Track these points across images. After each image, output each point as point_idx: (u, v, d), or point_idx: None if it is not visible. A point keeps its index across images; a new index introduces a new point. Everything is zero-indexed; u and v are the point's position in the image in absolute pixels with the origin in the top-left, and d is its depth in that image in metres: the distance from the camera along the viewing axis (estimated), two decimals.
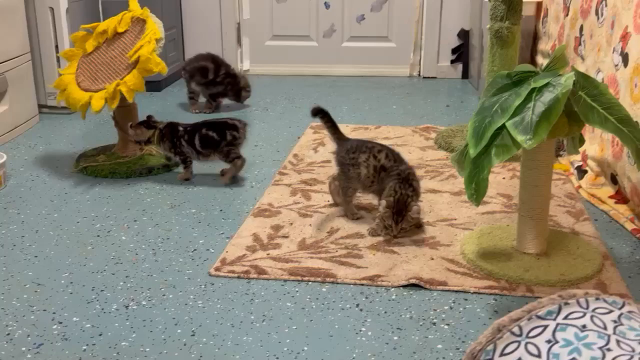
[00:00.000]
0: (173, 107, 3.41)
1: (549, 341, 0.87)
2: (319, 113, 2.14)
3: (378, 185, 2.00)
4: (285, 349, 1.46)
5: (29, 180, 2.44)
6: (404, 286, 1.70)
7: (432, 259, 1.82)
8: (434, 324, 1.55)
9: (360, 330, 1.53)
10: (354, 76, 4.04)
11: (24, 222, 2.10)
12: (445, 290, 1.68)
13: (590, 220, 2.05)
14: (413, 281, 1.71)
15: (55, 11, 3.08)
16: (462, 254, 1.83)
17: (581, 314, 0.90)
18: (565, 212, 2.09)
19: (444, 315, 1.58)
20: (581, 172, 2.32)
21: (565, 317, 0.90)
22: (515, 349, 0.88)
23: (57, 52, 3.10)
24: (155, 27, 2.48)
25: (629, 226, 1.99)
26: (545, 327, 0.89)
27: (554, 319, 0.90)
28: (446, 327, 1.54)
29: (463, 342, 1.48)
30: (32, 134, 2.97)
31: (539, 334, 0.88)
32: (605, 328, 0.87)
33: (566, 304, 0.92)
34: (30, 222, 2.10)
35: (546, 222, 1.79)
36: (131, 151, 2.56)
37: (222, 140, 2.35)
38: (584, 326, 0.87)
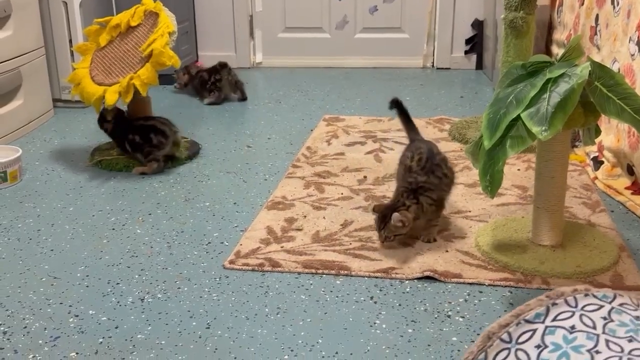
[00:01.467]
0: (186, 99, 3.42)
1: (538, 346, 0.86)
2: (396, 106, 2.06)
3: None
4: (300, 341, 1.47)
5: (44, 174, 2.46)
6: (419, 279, 1.70)
7: (447, 251, 1.82)
8: (449, 316, 1.55)
9: (375, 323, 1.53)
10: (367, 68, 4.02)
11: (40, 216, 2.11)
12: (460, 283, 1.68)
13: (607, 211, 2.03)
14: (427, 273, 1.70)
15: (69, 5, 3.09)
16: (476, 246, 1.82)
17: (570, 314, 0.89)
18: (581, 204, 2.08)
19: (458, 308, 1.57)
20: (597, 163, 2.30)
21: (554, 319, 0.88)
22: (506, 357, 0.87)
23: (70, 46, 3.12)
24: (168, 20, 2.48)
25: None
26: (534, 331, 0.88)
27: (542, 322, 0.89)
28: (461, 319, 1.53)
29: (478, 334, 1.47)
30: (47, 128, 2.99)
31: (528, 339, 0.87)
32: (594, 327, 0.86)
33: (554, 304, 0.90)
34: (46, 216, 2.11)
35: (562, 214, 1.77)
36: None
37: (146, 143, 2.41)
38: (572, 327, 0.86)
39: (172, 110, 3.23)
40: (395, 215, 1.76)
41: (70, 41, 3.13)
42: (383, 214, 1.80)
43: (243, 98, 3.38)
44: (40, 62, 3.02)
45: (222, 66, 3.35)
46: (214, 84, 3.32)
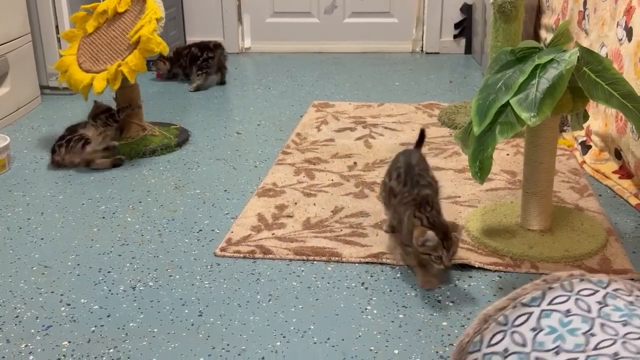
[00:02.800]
0: (174, 86, 3.40)
1: (533, 329, 0.87)
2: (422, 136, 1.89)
3: (391, 212, 1.75)
4: (292, 328, 1.48)
5: (32, 162, 2.45)
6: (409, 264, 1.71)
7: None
8: (439, 301, 1.56)
9: (366, 309, 1.54)
10: (356, 53, 4.01)
11: (29, 205, 2.10)
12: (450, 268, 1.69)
13: (595, 195, 2.05)
14: None
15: None
16: (466, 231, 1.84)
17: (565, 298, 0.90)
18: (570, 188, 2.10)
19: (448, 293, 1.59)
20: (585, 147, 2.31)
21: (550, 303, 0.90)
22: (502, 339, 0.89)
23: (57, 33, 3.08)
24: (155, 6, 2.46)
25: (633, 201, 1.99)
26: (530, 314, 0.89)
27: (539, 305, 0.90)
28: (451, 304, 1.55)
29: (468, 319, 1.49)
30: (34, 115, 2.97)
31: (524, 322, 0.88)
32: (589, 311, 0.87)
33: (550, 288, 0.92)
34: (36, 205, 2.10)
35: (550, 199, 1.79)
36: (134, 132, 2.56)
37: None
38: (568, 311, 0.88)
39: (160, 97, 3.22)
40: (454, 233, 1.54)
41: (57, 28, 3.10)
42: (444, 233, 1.52)
43: (221, 82, 3.36)
44: (27, 49, 2.99)
45: (217, 46, 3.32)
46: (206, 62, 3.28)
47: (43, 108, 3.06)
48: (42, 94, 3.16)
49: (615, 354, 0.80)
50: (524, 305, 0.92)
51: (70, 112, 3.00)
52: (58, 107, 3.07)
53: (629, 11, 2.05)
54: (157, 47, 2.38)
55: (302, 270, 1.70)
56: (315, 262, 1.74)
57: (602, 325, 0.85)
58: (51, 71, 3.11)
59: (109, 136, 2.46)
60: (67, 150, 2.34)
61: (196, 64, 3.30)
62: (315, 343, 1.42)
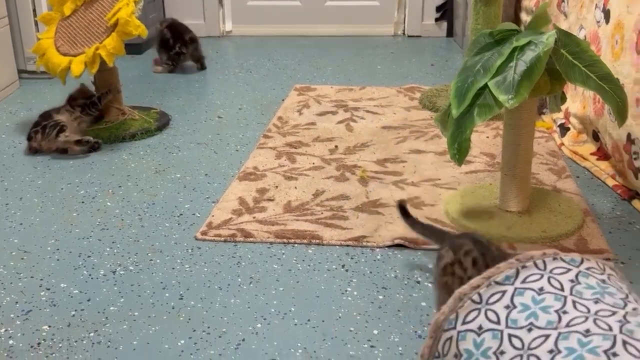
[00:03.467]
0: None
1: (507, 307, 0.89)
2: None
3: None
4: (273, 310, 1.49)
5: (11, 147, 2.42)
6: (389, 246, 1.72)
7: (417, 218, 1.84)
8: (418, 282, 1.58)
9: (346, 290, 1.55)
10: (338, 36, 4.00)
11: (8, 190, 2.09)
12: (430, 249, 1.71)
13: (572, 177, 2.07)
14: (398, 241, 1.73)
15: None
16: (445, 213, 1.85)
17: (539, 276, 0.92)
18: (548, 170, 2.12)
19: (428, 274, 1.61)
20: (564, 129, 2.34)
21: (523, 281, 0.91)
22: (476, 317, 0.90)
23: (35, 16, 3.04)
24: None
25: (610, 182, 2.01)
26: (504, 292, 0.91)
27: (512, 284, 0.92)
28: (430, 285, 1.56)
29: None
30: (12, 99, 2.94)
31: (498, 300, 0.90)
32: (562, 289, 0.89)
33: (524, 267, 0.93)
34: (14, 190, 2.09)
35: (528, 180, 1.81)
36: (114, 116, 2.54)
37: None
38: (541, 289, 0.89)
39: (140, 80, 3.19)
40: None
41: (35, 11, 3.05)
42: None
43: (202, 68, 3.34)
44: (4, 33, 2.95)
45: (192, 41, 3.27)
46: (177, 55, 3.24)
47: (21, 92, 3.03)
48: (20, 78, 3.12)
49: (587, 330, 0.82)
50: (498, 283, 0.93)
51: (49, 96, 2.97)
52: (36, 91, 3.04)
53: None
54: (136, 30, 2.35)
55: (283, 253, 1.71)
56: (296, 245, 1.75)
57: (574, 302, 0.87)
58: (29, 55, 3.07)
59: (85, 122, 2.44)
60: (43, 137, 2.31)
61: (168, 53, 3.24)
62: (295, 324, 1.43)
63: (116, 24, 2.37)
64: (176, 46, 3.22)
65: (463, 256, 1.31)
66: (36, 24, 3.05)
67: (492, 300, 0.92)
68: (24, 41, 3.08)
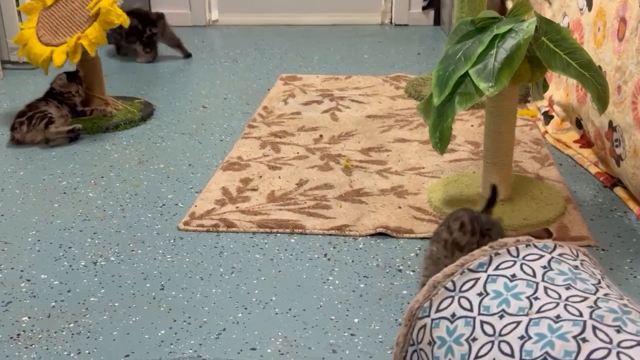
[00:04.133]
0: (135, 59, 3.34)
1: (480, 294, 0.89)
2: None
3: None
4: (254, 299, 1.48)
5: None
6: (372, 235, 1.72)
7: (400, 207, 1.84)
8: (400, 270, 1.58)
9: (328, 279, 1.55)
10: (325, 25, 3.98)
11: None
12: (412, 238, 1.71)
13: (555, 165, 2.08)
14: (380, 230, 1.73)
15: None
16: (428, 202, 1.86)
17: (511, 263, 0.92)
18: (531, 158, 2.12)
19: (409, 262, 1.61)
20: (548, 117, 2.34)
21: (496, 268, 0.92)
22: (450, 304, 0.90)
23: (17, 5, 3.01)
24: None
25: (593, 170, 2.02)
26: (477, 280, 0.91)
27: (485, 271, 0.92)
28: (411, 273, 1.57)
29: None
30: None
31: (471, 288, 0.90)
32: (534, 275, 0.89)
33: (497, 254, 0.94)
34: None
35: (510, 168, 1.81)
36: (97, 107, 2.52)
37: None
38: (513, 275, 0.90)
39: (124, 70, 3.17)
40: None
41: (17, 0, 3.02)
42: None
43: (186, 55, 3.30)
44: None
45: (160, 17, 3.17)
46: (150, 38, 3.19)
47: (4, 83, 3.00)
48: (4, 69, 3.09)
49: (557, 316, 0.82)
50: (471, 271, 0.93)
51: (32, 86, 2.94)
52: (20, 82, 3.01)
53: None
54: (118, 19, 2.33)
55: (265, 243, 1.71)
56: (279, 234, 1.74)
57: (546, 289, 0.87)
58: (12, 45, 3.04)
59: (69, 118, 2.43)
60: (29, 128, 2.29)
61: (141, 40, 3.19)
62: (276, 314, 1.43)
63: (98, 13, 2.35)
64: (146, 30, 3.16)
65: (452, 221, 1.34)
66: (19, 13, 3.02)
67: (465, 287, 0.92)
68: (6, 31, 3.05)
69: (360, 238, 1.72)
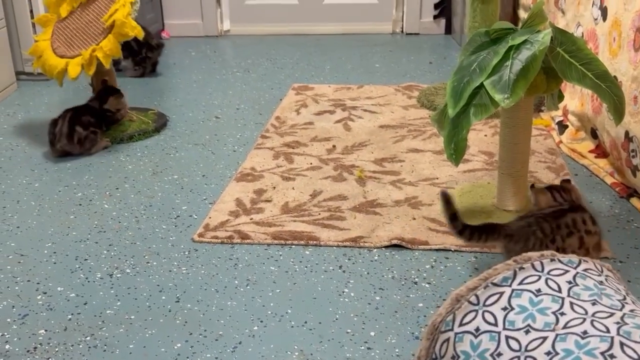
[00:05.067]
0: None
1: (504, 308, 0.88)
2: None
3: None
4: (269, 312, 1.48)
5: (8, 150, 2.42)
6: (386, 247, 1.72)
7: (414, 219, 1.84)
8: (415, 283, 1.57)
9: (343, 292, 1.55)
10: (336, 34, 3.99)
11: (5, 192, 2.08)
12: (427, 250, 1.70)
13: (571, 175, 2.07)
14: (395, 242, 1.72)
15: None
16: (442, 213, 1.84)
17: (536, 278, 0.91)
18: (546, 168, 2.11)
19: (425, 274, 1.60)
20: (562, 127, 2.33)
21: (521, 283, 0.91)
22: (474, 318, 0.90)
23: (32, 17, 3.03)
24: None
25: (609, 180, 2.01)
26: (501, 294, 0.90)
27: (510, 285, 0.91)
28: (427, 285, 1.56)
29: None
30: (10, 102, 2.93)
31: (495, 302, 0.90)
32: (559, 290, 0.88)
33: (521, 268, 0.93)
34: (11, 193, 2.08)
35: (526, 179, 1.80)
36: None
37: None
38: (538, 290, 0.89)
39: (138, 81, 3.18)
40: None
41: (32, 12, 3.05)
42: None
43: (152, 70, 3.32)
44: (2, 34, 2.94)
45: (159, 46, 3.26)
46: (143, 60, 3.24)
47: (19, 94, 3.02)
48: (18, 80, 3.11)
49: (584, 332, 0.81)
50: (496, 285, 0.93)
51: (46, 98, 2.96)
52: (34, 93, 3.03)
53: None
54: (132, 31, 2.34)
55: (280, 255, 1.70)
56: (294, 246, 1.74)
57: (572, 304, 0.87)
58: (27, 57, 3.06)
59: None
60: (81, 146, 2.31)
61: (134, 58, 3.22)
62: (292, 327, 1.43)
63: (112, 25, 2.36)
64: (142, 51, 3.20)
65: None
66: (33, 25, 3.05)
67: (489, 302, 0.91)
68: (21, 43, 3.08)
69: (375, 250, 1.71)
